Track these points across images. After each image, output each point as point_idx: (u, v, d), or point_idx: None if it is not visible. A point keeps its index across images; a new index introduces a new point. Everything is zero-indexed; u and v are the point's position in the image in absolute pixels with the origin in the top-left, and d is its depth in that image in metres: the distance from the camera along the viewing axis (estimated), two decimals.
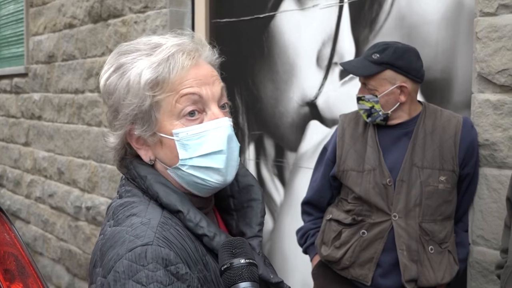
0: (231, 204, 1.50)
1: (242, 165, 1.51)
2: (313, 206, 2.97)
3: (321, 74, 3.68)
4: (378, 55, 2.63)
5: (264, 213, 1.48)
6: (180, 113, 1.33)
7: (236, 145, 1.38)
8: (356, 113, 2.83)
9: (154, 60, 1.34)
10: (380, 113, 2.65)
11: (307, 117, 3.80)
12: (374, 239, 2.65)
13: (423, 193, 2.60)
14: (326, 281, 2.87)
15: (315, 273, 2.96)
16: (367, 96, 2.66)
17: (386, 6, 3.27)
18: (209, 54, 1.42)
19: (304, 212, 3.04)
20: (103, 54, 5.35)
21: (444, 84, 2.99)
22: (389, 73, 2.63)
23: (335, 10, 3.56)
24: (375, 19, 3.35)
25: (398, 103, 2.65)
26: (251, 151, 4.25)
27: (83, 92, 5.73)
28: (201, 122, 1.34)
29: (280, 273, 4.02)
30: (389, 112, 2.66)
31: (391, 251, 2.63)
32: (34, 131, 6.83)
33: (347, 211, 2.76)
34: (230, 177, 1.37)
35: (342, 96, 3.54)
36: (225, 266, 1.21)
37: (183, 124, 1.34)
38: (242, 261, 1.21)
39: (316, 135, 3.74)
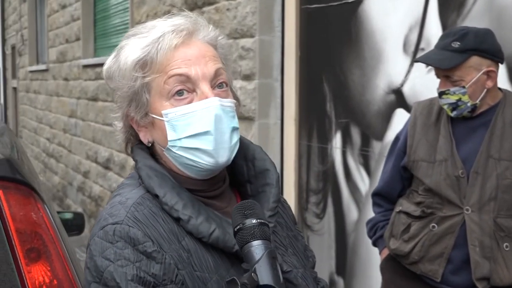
0: (248, 189, 1.47)
1: (260, 149, 1.48)
2: (383, 198, 2.87)
3: (407, 60, 3.54)
4: (459, 43, 2.46)
5: (277, 198, 1.42)
6: (168, 94, 1.32)
7: (227, 126, 1.32)
8: (430, 101, 2.70)
9: (145, 41, 1.34)
10: (468, 104, 2.48)
11: (393, 105, 3.68)
12: (444, 233, 2.52)
13: (499, 187, 2.44)
14: (395, 276, 2.77)
15: (384, 267, 2.87)
16: (452, 89, 2.49)
17: None
18: (207, 34, 1.38)
19: (374, 204, 2.94)
20: None
21: None
22: (475, 60, 2.46)
23: None
24: (463, 2, 3.18)
25: (485, 90, 2.49)
26: (337, 139, 4.17)
27: None
28: (190, 102, 1.32)
29: (364, 264, 3.96)
30: (478, 101, 2.50)
31: (462, 247, 2.49)
32: None
33: (417, 203, 2.63)
34: (223, 159, 1.32)
35: (428, 83, 3.38)
36: (238, 227, 1.22)
37: (172, 105, 1.32)
38: (254, 221, 1.22)
39: (402, 124, 3.60)
